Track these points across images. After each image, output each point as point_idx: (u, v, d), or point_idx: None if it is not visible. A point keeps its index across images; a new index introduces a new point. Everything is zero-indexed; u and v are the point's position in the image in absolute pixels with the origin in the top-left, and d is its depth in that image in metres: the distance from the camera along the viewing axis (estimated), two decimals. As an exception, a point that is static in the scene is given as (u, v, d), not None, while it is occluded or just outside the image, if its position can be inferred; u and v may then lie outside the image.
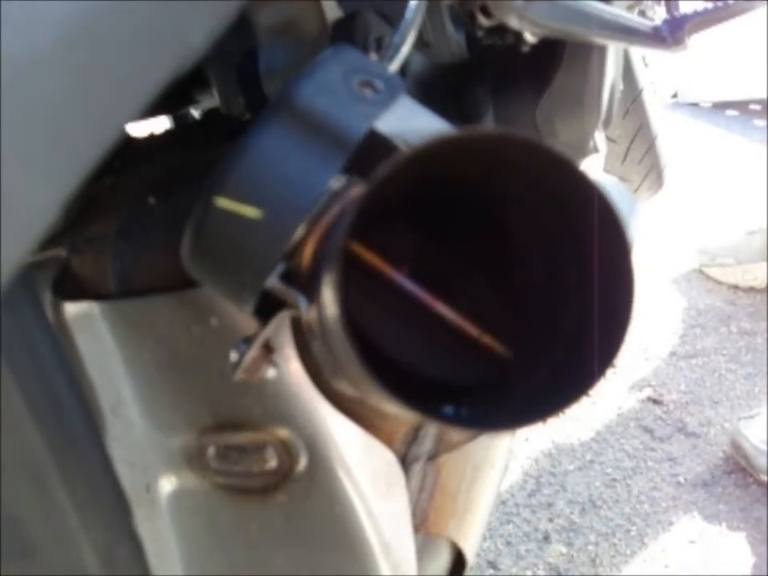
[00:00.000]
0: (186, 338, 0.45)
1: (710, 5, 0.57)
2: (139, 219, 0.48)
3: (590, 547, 1.06)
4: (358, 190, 0.36)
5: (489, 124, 0.61)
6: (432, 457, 0.48)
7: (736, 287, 1.62)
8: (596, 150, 0.64)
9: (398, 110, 0.35)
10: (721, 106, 2.50)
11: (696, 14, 0.57)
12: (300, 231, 0.34)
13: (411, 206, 0.36)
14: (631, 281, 0.29)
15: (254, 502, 0.48)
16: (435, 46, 0.63)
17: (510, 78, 0.62)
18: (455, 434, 0.47)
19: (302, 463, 0.46)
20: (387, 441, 0.46)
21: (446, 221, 0.36)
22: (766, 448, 1.11)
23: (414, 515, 0.47)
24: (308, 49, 0.56)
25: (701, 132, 2.35)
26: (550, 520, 1.10)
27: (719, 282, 1.64)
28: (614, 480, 1.16)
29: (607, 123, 0.67)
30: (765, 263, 1.55)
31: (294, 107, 0.33)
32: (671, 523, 1.09)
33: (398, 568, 0.47)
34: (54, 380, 0.34)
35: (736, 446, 1.16)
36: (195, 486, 0.50)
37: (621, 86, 0.70)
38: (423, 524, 0.49)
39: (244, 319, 0.42)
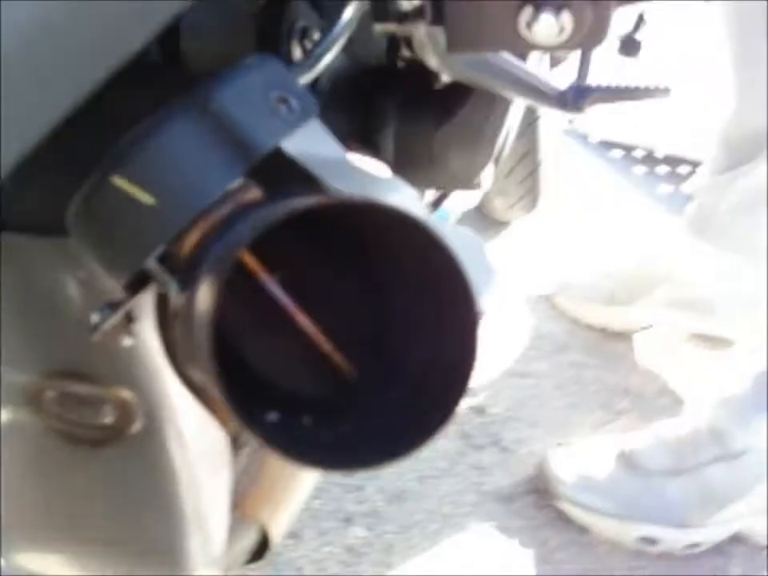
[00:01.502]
0: (51, 283, 0.46)
1: (616, 83, 0.62)
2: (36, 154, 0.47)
3: (389, 536, 1.12)
4: (250, 195, 0.37)
5: (389, 138, 0.64)
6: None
7: (576, 321, 1.71)
8: (479, 186, 0.68)
9: (307, 132, 0.37)
10: (607, 145, 2.61)
11: (601, 88, 0.61)
12: (187, 222, 0.35)
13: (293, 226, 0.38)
14: (473, 345, 0.32)
15: (82, 452, 0.49)
16: (358, 45, 0.65)
17: (417, 99, 0.64)
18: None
19: (137, 426, 0.48)
20: (223, 421, 0.49)
21: (324, 244, 0.38)
22: (566, 478, 1.20)
23: (234, 495, 0.50)
24: (235, 20, 0.56)
25: (587, 164, 2.46)
26: (358, 503, 1.15)
27: (563, 313, 1.74)
28: (425, 477, 1.22)
29: (497, 161, 0.71)
30: (607, 307, 1.65)
31: (210, 108, 0.34)
32: (467, 528, 1.17)
33: (209, 540, 0.50)
34: None
35: (541, 470, 1.24)
36: (29, 424, 0.51)
37: (515, 130, 0.74)
38: (240, 505, 0.52)
39: (110, 283, 0.42)
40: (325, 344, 0.38)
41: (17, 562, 0.55)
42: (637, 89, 0.61)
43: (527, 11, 0.38)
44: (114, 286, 0.41)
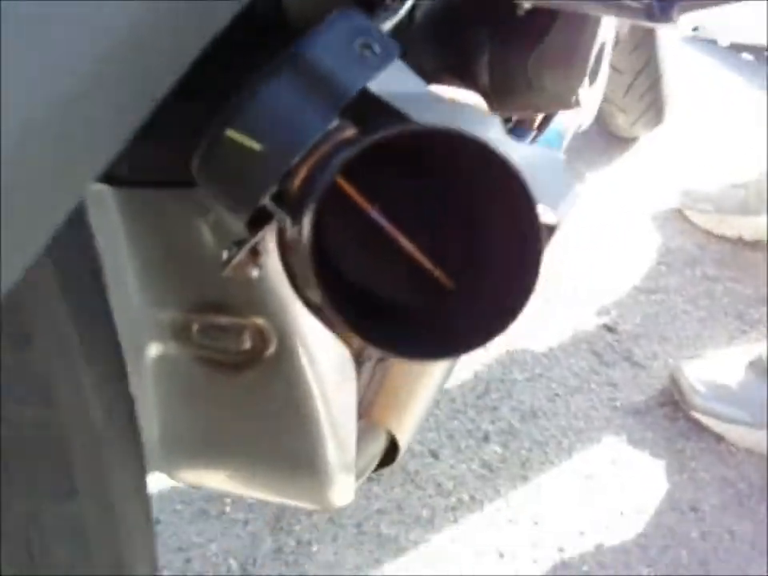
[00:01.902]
0: (185, 229, 0.52)
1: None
2: (160, 113, 0.54)
3: (523, 452, 1.17)
4: (346, 133, 0.42)
5: (484, 67, 0.67)
6: (382, 359, 0.57)
7: (709, 233, 1.68)
8: (578, 104, 0.70)
9: (392, 72, 0.41)
10: (737, 48, 2.50)
11: (686, -5, 0.61)
12: (294, 162, 0.40)
13: (391, 158, 0.42)
14: (537, 253, 0.36)
15: (226, 375, 0.56)
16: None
17: (508, 26, 0.67)
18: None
19: (272, 348, 0.54)
20: (347, 341, 0.54)
21: (416, 172, 0.43)
22: (700, 388, 1.21)
23: (360, 405, 0.56)
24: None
25: (712, 70, 2.37)
26: (492, 422, 1.21)
27: (694, 226, 1.71)
28: (557, 395, 1.26)
29: (593, 79, 0.72)
30: (740, 217, 1.62)
31: (303, 62, 0.39)
32: (600, 442, 1.20)
33: (341, 446, 0.56)
34: (78, 251, 0.41)
35: (673, 381, 1.25)
36: (178, 356, 0.58)
37: (610, 46, 0.75)
38: (367, 413, 0.57)
39: (235, 224, 0.48)
40: (425, 261, 0.42)
41: (178, 476, 0.63)
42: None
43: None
44: (238, 226, 0.46)
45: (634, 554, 1.04)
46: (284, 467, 0.58)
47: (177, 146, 0.51)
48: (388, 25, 0.46)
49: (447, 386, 1.25)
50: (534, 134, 0.87)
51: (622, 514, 1.09)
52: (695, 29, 2.94)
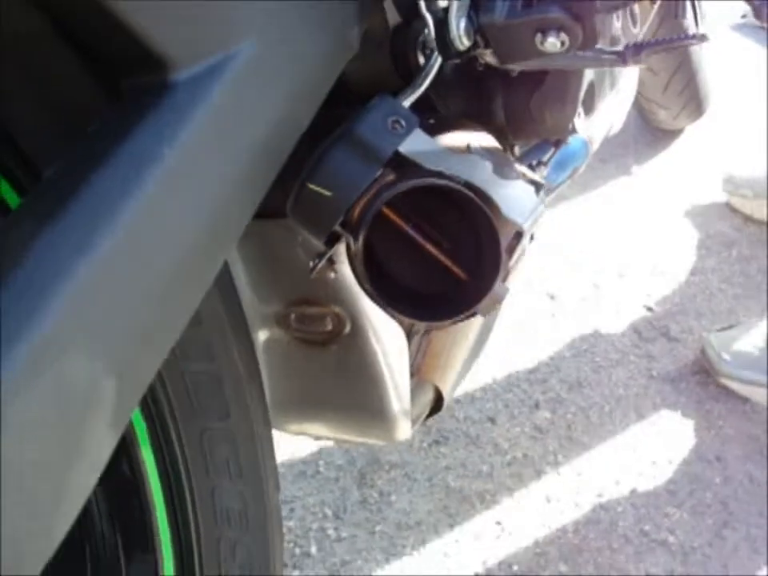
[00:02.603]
0: (284, 247, 0.74)
1: (662, 36, 0.80)
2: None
3: (569, 416, 1.36)
4: (387, 179, 0.63)
5: (499, 108, 0.87)
6: (426, 332, 0.78)
7: (748, 218, 1.83)
8: (574, 131, 0.89)
9: (412, 138, 0.62)
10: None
11: (651, 42, 0.80)
12: (352, 201, 0.62)
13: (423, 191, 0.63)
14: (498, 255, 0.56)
15: (315, 350, 0.78)
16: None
17: (516, 76, 0.86)
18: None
19: (347, 328, 0.76)
20: (399, 320, 0.75)
21: (439, 200, 0.63)
22: (725, 357, 1.37)
23: (411, 366, 0.77)
24: (375, 45, 0.81)
25: (760, 56, 2.46)
26: (542, 392, 1.40)
27: (734, 211, 1.86)
28: (600, 367, 1.45)
29: (589, 110, 0.92)
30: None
31: (355, 135, 0.60)
32: (638, 407, 1.38)
33: (400, 397, 0.77)
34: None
35: (702, 352, 1.42)
36: (280, 338, 0.80)
37: (607, 80, 0.94)
38: (417, 372, 0.79)
39: (317, 242, 0.70)
40: (447, 261, 0.63)
41: (285, 428, 0.85)
42: (678, 38, 0.79)
43: (539, 36, 0.60)
44: (319, 244, 0.68)
45: (663, 497, 1.22)
46: (360, 414, 0.79)
47: (277, 188, 0.73)
48: (412, 99, 0.66)
49: (503, 362, 1.45)
50: (552, 149, 1.06)
51: (654, 463, 1.27)
52: (744, 16, 3.05)
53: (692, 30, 0.75)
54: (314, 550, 1.16)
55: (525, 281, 1.65)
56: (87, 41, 0.43)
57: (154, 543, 0.56)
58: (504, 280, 0.63)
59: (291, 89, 0.48)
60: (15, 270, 0.35)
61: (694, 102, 2.07)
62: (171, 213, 0.40)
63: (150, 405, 0.54)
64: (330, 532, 1.18)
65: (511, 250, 0.62)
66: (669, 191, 1.94)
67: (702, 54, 2.00)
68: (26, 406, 0.33)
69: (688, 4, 1.89)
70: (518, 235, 0.62)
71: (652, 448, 1.31)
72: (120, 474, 0.54)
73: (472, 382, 1.41)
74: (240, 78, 0.43)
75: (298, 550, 1.15)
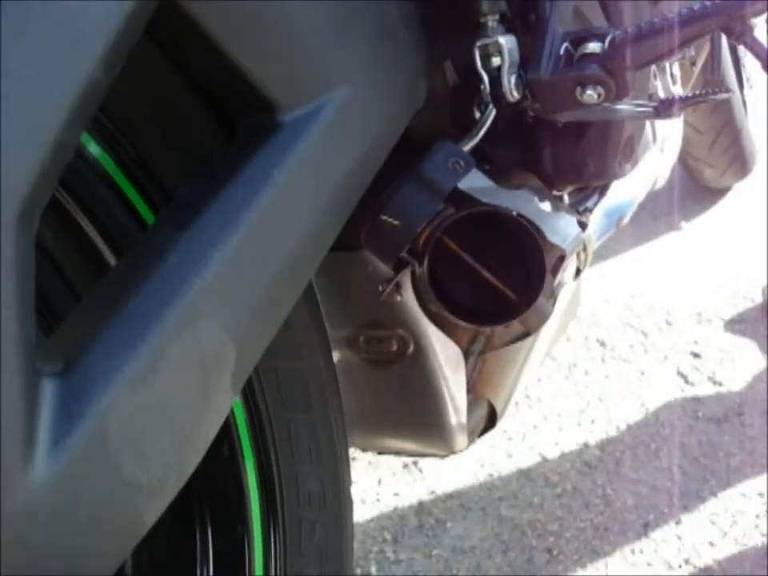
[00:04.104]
0: (355, 275, 0.84)
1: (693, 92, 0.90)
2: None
3: (617, 453, 1.42)
4: (448, 212, 0.73)
5: (548, 158, 0.97)
6: (482, 352, 0.87)
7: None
8: (615, 177, 0.99)
9: (471, 175, 0.72)
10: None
11: (681, 98, 0.89)
12: (418, 231, 0.72)
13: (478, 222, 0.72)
14: (543, 272, 0.65)
15: (382, 369, 0.87)
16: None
17: (563, 127, 0.96)
18: (495, 339, 0.85)
19: (411, 349, 0.85)
20: (457, 341, 0.84)
21: (492, 230, 0.73)
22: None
23: (467, 384, 0.86)
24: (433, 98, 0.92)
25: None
26: (591, 432, 1.47)
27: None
28: (647, 409, 1.51)
29: (630, 160, 1.01)
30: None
31: (421, 174, 0.70)
32: (684, 445, 1.44)
33: (458, 414, 0.86)
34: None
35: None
36: (350, 359, 0.90)
37: (649, 134, 1.04)
38: (473, 390, 0.87)
39: (386, 269, 0.80)
40: (497, 283, 0.73)
41: (354, 443, 0.94)
42: (704, 93, 0.88)
43: (579, 89, 0.71)
44: (387, 272, 0.78)
45: (706, 527, 1.27)
46: (421, 427, 0.88)
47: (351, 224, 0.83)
48: (470, 146, 0.77)
49: (554, 401, 1.52)
50: (597, 197, 1.15)
51: (698, 496, 1.33)
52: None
53: (730, 90, 0.85)
54: (373, 570, 1.23)
55: (576, 328, 1.72)
56: (212, 90, 0.55)
57: (246, 519, 0.66)
58: (549, 300, 0.72)
59: (373, 131, 0.59)
60: (164, 257, 0.46)
61: (739, 160, 2.14)
62: (279, 222, 0.51)
63: (248, 395, 0.64)
64: (389, 554, 1.25)
65: (555, 271, 0.71)
66: (715, 244, 2.01)
67: (746, 114, 2.08)
68: (173, 353, 0.43)
69: (731, 69, 1.99)
70: (561, 258, 0.71)
71: (694, 483, 1.36)
72: (220, 455, 0.64)
73: (523, 421, 1.49)
74: (334, 120, 0.54)
75: (359, 570, 1.22)
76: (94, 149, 0.55)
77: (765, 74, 0.74)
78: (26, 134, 0.38)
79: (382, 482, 1.37)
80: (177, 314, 0.44)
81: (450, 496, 1.34)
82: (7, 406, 0.37)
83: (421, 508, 1.33)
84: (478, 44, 0.73)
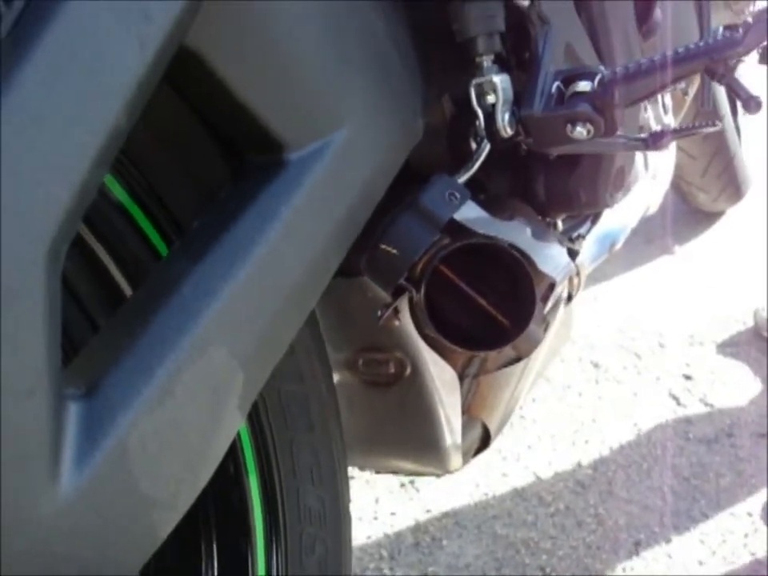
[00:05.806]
0: (355, 301, 0.88)
1: (680, 125, 0.94)
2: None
3: (609, 473, 1.45)
4: (443, 242, 0.77)
5: (541, 188, 1.00)
6: (476, 375, 0.90)
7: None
8: (606, 206, 1.02)
9: (466, 207, 0.75)
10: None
11: (671, 130, 0.93)
12: (415, 260, 0.75)
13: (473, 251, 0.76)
14: (533, 300, 0.69)
15: (380, 390, 0.91)
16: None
17: (555, 159, 1.00)
18: (489, 363, 0.88)
19: (408, 371, 0.88)
20: (453, 364, 0.87)
21: (485, 259, 0.76)
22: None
23: (462, 405, 0.89)
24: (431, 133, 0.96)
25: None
26: (584, 451, 1.50)
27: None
28: (639, 429, 1.54)
29: (621, 189, 1.05)
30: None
31: (419, 205, 0.74)
32: (675, 465, 1.47)
33: (452, 432, 0.89)
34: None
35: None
36: (349, 380, 0.93)
37: (641, 164, 1.08)
38: (467, 411, 0.91)
39: (384, 295, 0.83)
40: (490, 309, 0.76)
41: (352, 462, 0.97)
42: (694, 126, 0.92)
43: (569, 126, 0.74)
44: (385, 297, 0.81)
45: (696, 547, 1.30)
46: (417, 447, 0.91)
47: (355, 247, 0.86)
48: (465, 178, 0.80)
49: (547, 423, 1.55)
50: (589, 224, 1.19)
51: (688, 516, 1.36)
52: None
53: (719, 123, 0.89)
54: (370, 586, 1.26)
55: (570, 350, 1.76)
56: (223, 129, 0.59)
57: (249, 533, 0.69)
58: (540, 326, 0.76)
59: (374, 167, 0.62)
60: (179, 288, 0.49)
61: (732, 185, 2.18)
62: (285, 255, 0.54)
63: (253, 415, 0.67)
64: (386, 571, 1.28)
65: (545, 299, 0.75)
66: (708, 268, 2.04)
67: (739, 140, 2.12)
68: (187, 378, 0.47)
69: (725, 96, 2.03)
70: (551, 286, 0.74)
71: (685, 502, 1.39)
72: (225, 472, 0.67)
73: (517, 441, 1.52)
74: (338, 158, 0.58)
75: (356, 586, 1.25)
76: (109, 182, 0.59)
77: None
78: (54, 177, 0.41)
79: (379, 501, 1.40)
80: (191, 342, 0.47)
81: (445, 515, 1.37)
82: (37, 427, 0.40)
83: (417, 526, 1.36)
84: (474, 82, 0.76)
